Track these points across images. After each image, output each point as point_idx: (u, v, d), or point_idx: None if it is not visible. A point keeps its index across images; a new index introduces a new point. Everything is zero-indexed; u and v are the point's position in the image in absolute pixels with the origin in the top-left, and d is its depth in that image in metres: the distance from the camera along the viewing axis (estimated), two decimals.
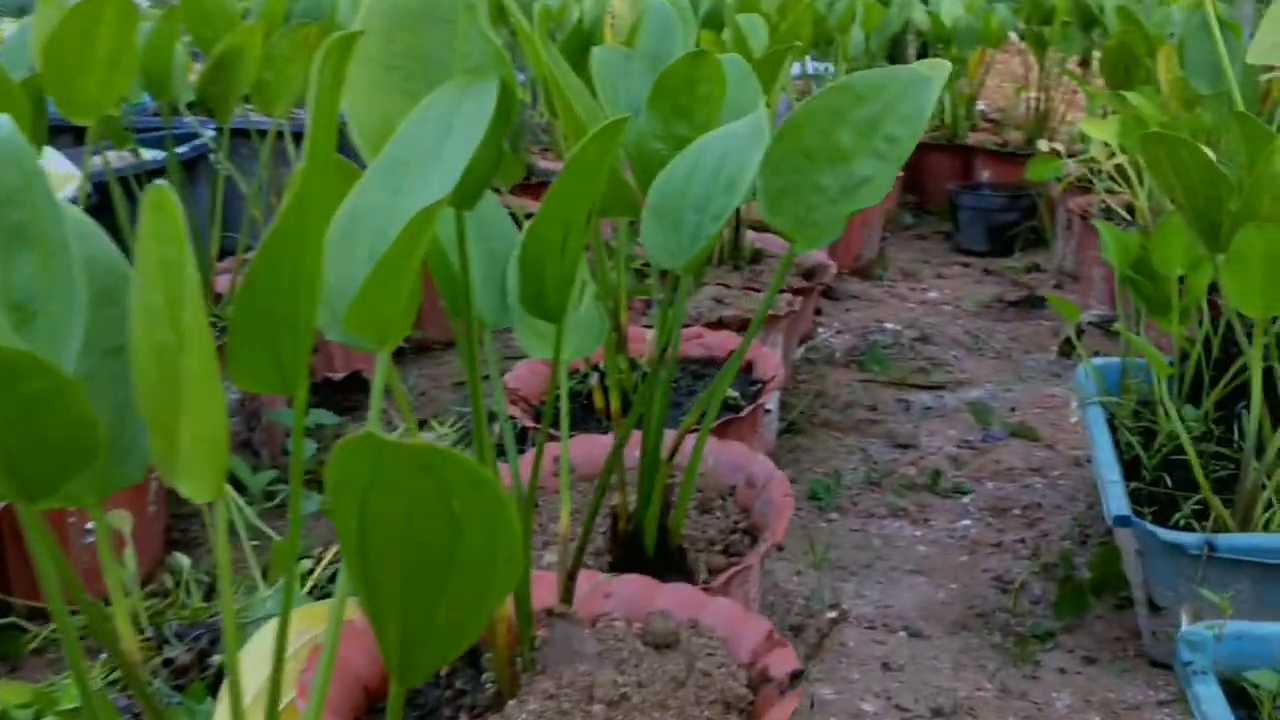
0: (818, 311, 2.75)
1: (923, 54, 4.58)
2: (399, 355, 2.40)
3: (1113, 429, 1.62)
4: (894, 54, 4.81)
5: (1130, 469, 1.56)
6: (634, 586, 1.04)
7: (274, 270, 0.55)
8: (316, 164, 0.55)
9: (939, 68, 1.07)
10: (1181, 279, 1.57)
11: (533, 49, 1.04)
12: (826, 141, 1.02)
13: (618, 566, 1.20)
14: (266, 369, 0.56)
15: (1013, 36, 4.14)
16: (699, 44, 2.03)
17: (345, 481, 0.43)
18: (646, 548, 1.21)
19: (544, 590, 1.02)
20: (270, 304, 0.55)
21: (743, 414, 1.48)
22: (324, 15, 2.11)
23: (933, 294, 2.97)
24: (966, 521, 1.76)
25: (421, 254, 0.66)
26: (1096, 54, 3.46)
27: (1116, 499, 1.39)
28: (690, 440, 1.22)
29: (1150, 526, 1.33)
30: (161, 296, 0.56)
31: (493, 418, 1.52)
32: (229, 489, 1.55)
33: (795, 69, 3.76)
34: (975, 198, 3.41)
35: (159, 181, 0.55)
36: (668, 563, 1.22)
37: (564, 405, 1.01)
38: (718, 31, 2.17)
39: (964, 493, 1.83)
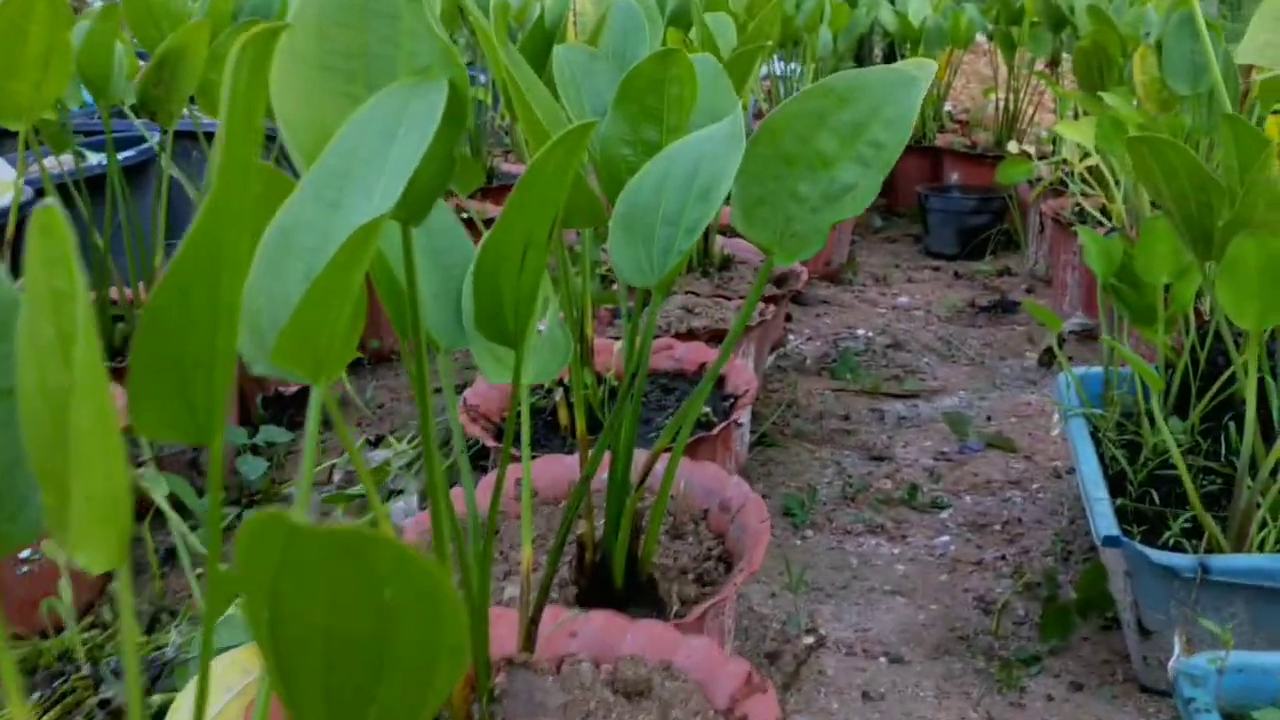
0: (788, 318, 2.69)
1: (889, 54, 4.54)
2: (356, 366, 2.31)
3: (1096, 442, 1.57)
4: (860, 54, 4.77)
5: (1115, 484, 1.51)
6: (601, 624, 0.97)
7: (183, 300, 0.48)
8: (231, 176, 0.48)
9: (925, 68, 1.00)
10: (1167, 286, 1.52)
11: (490, 47, 0.97)
12: (806, 147, 0.95)
13: (584, 599, 1.13)
14: (176, 414, 0.49)
15: (980, 38, 4.11)
16: (666, 43, 1.97)
17: (252, 567, 0.35)
18: (615, 578, 1.13)
19: (504, 630, 0.95)
20: (178, 339, 0.48)
21: (715, 431, 1.41)
22: (274, 13, 2.02)
23: (904, 299, 2.91)
24: (945, 538, 1.70)
25: (362, 274, 0.59)
26: (1066, 55, 3.43)
27: (1104, 518, 1.33)
28: (661, 461, 1.15)
29: (1141, 548, 1.27)
30: (52, 331, 0.48)
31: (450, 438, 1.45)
32: (172, 514, 1.47)
33: (761, 70, 3.70)
34: (945, 200, 3.36)
35: (47, 201, 0.47)
36: (638, 594, 1.15)
37: (525, 428, 0.94)
38: (685, 30, 2.11)
39: (942, 507, 1.77)
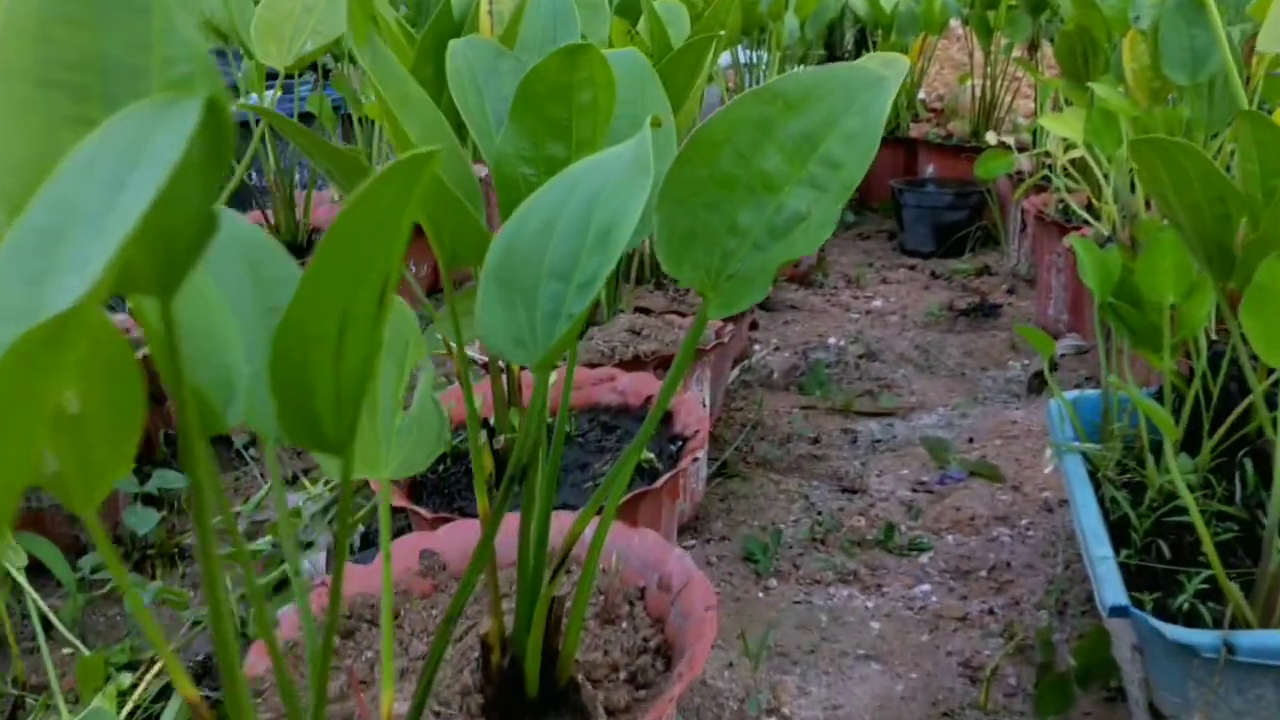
0: (754, 326, 2.50)
1: (860, 41, 4.35)
2: None
3: (1094, 482, 1.38)
4: (831, 41, 4.58)
5: (1116, 530, 1.33)
6: None
7: None
8: None
9: (894, 65, 0.81)
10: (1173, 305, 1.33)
11: (360, 38, 0.77)
12: (748, 166, 0.76)
13: (491, 710, 0.94)
14: None
15: (954, 22, 3.92)
16: (612, 36, 1.77)
17: None
18: (528, 683, 0.94)
19: None
20: None
21: (659, 483, 1.22)
22: None
23: (878, 302, 2.73)
24: (926, 586, 1.51)
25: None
26: (1046, 40, 3.25)
27: (1110, 583, 1.15)
28: (593, 526, 0.95)
29: (1155, 623, 1.08)
30: None
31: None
32: (25, 587, 1.26)
33: (725, 59, 3.51)
34: (920, 195, 3.17)
35: None
36: (556, 702, 0.95)
37: (385, 537, 0.74)
38: (636, 20, 1.90)
39: (921, 549, 1.59)
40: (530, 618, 0.93)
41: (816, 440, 1.97)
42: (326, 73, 2.49)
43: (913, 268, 3.02)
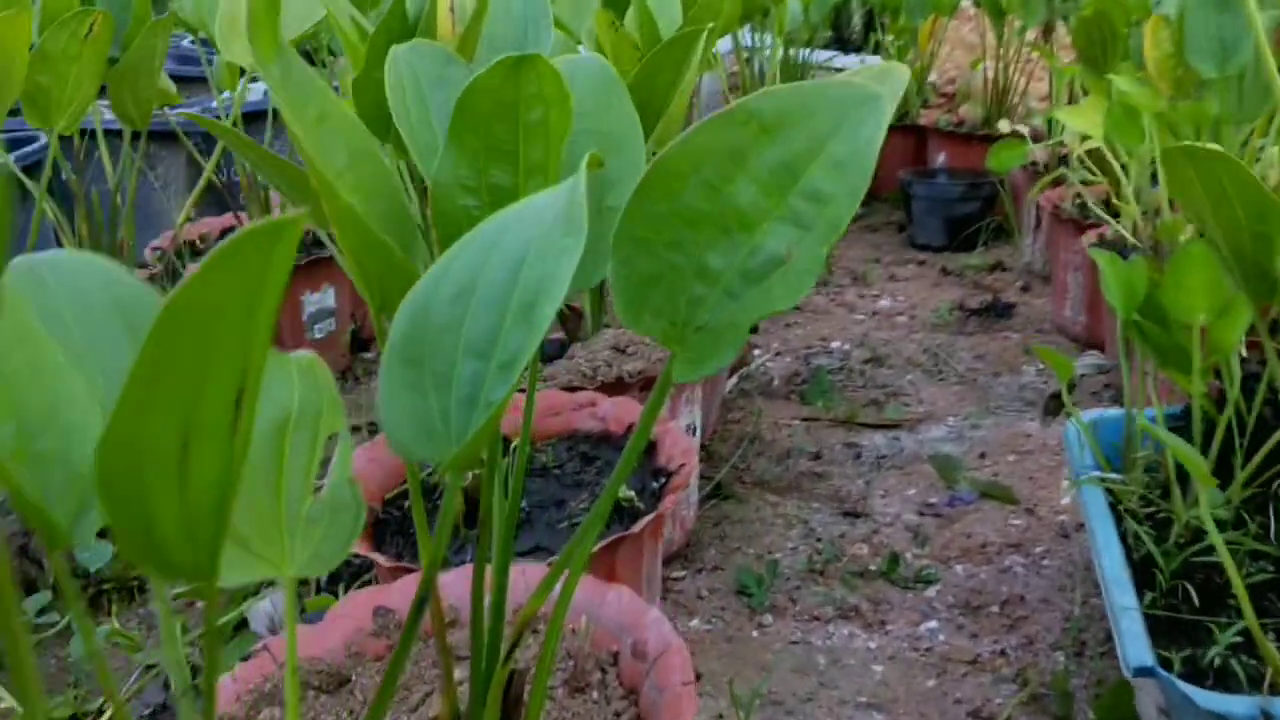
0: (754, 330, 2.38)
1: (869, 24, 4.22)
2: None
3: (1115, 512, 1.27)
4: (838, 23, 4.45)
5: (1140, 569, 1.22)
6: None
7: None
8: None
9: (890, 78, 0.70)
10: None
11: (267, 52, 0.66)
12: (717, 200, 0.65)
13: None
14: None
15: (965, 3, 3.79)
16: (596, 30, 1.65)
17: None
18: None
19: None
20: None
21: (638, 528, 1.11)
22: (128, 7, 1.70)
23: (885, 301, 2.61)
24: (932, 623, 1.40)
25: None
26: (1060, 21, 3.12)
27: (1134, 639, 1.04)
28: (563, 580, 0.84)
29: (1184, 687, 0.97)
30: None
31: None
32: None
33: (726, 44, 3.39)
34: (930, 186, 3.05)
35: None
36: None
37: (290, 646, 0.63)
38: (622, 13, 1.78)
39: (928, 582, 1.48)
40: (485, 695, 0.83)
41: (818, 456, 1.86)
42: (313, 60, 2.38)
43: (922, 263, 2.91)
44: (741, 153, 0.64)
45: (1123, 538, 1.25)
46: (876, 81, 0.66)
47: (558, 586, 0.83)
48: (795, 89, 0.63)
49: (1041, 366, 2.20)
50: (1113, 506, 1.28)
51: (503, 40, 1.12)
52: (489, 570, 0.82)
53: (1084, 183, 2.33)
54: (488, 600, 0.83)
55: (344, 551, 0.60)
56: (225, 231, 2.18)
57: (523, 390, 1.36)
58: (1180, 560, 1.20)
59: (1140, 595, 1.18)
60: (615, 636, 0.97)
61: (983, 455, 1.84)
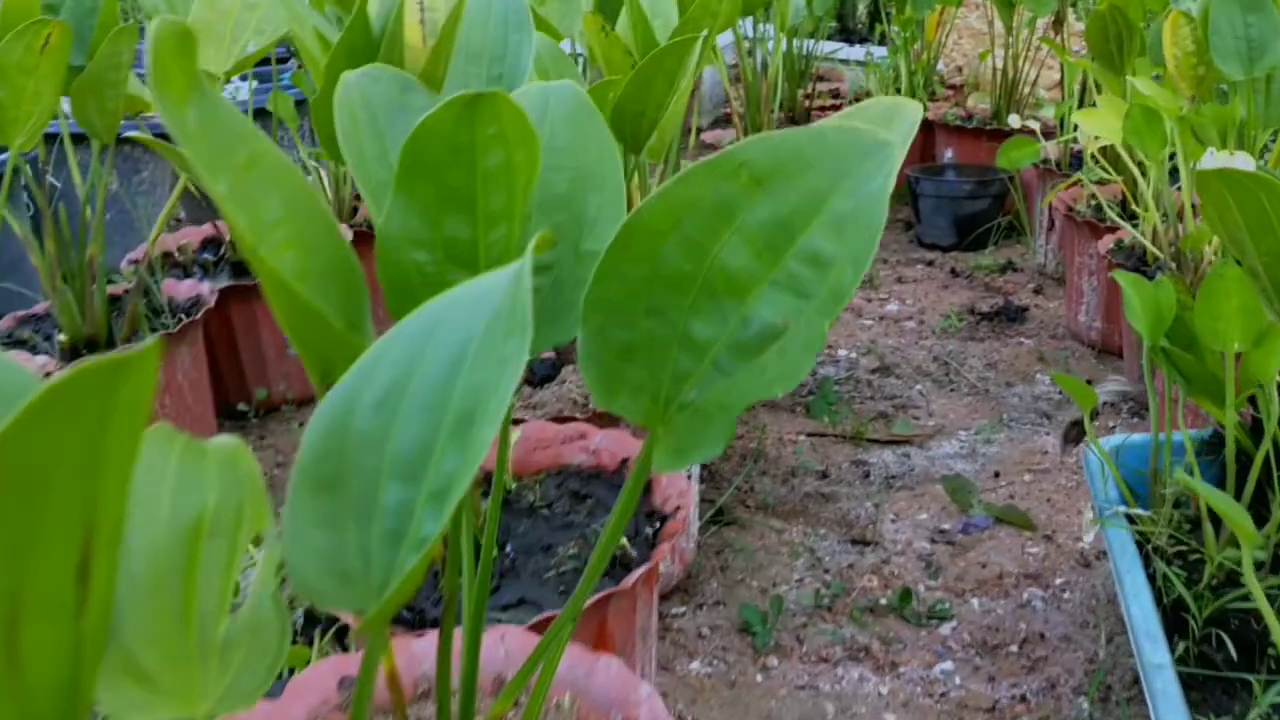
0: None
1: (874, 14, 4.12)
2: (240, 418, 1.93)
3: (1141, 551, 1.19)
4: (842, 13, 4.35)
5: (1170, 614, 1.14)
6: None
7: None
8: None
9: (900, 117, 0.61)
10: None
11: (177, 97, 0.58)
12: (701, 260, 0.56)
13: None
14: None
15: None
16: (587, 34, 1.57)
17: None
18: None
19: None
20: None
21: (630, 582, 1.03)
22: (94, 12, 1.62)
23: (893, 305, 2.52)
24: (948, 665, 1.32)
25: None
26: (1073, 15, 3.02)
27: (1169, 701, 0.96)
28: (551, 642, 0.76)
29: None
30: None
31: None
32: None
33: (727, 36, 3.29)
34: (938, 184, 2.96)
35: None
36: None
37: None
38: (614, 15, 1.69)
39: (943, 618, 1.40)
40: None
41: (824, 475, 1.77)
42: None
43: (931, 263, 2.81)
44: (730, 208, 0.56)
45: (1150, 578, 1.16)
46: (883, 124, 0.58)
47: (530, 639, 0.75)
48: (790, 136, 0.54)
49: None
50: (1139, 544, 1.20)
51: (480, 50, 1.04)
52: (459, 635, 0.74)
53: (1098, 182, 2.24)
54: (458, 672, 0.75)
55: (267, 681, 0.51)
56: (206, 242, 2.09)
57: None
58: (1215, 607, 1.12)
59: (1171, 641, 1.10)
60: (604, 712, 0.88)
61: (997, 474, 1.75)
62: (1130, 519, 1.20)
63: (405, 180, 0.63)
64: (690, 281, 0.56)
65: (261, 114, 2.18)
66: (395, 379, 0.42)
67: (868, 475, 1.78)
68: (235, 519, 0.54)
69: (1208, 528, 1.17)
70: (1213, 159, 1.50)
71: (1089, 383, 1.95)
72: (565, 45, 2.30)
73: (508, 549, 1.15)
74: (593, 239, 0.73)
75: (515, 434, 1.29)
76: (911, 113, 0.60)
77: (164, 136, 1.75)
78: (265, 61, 2.33)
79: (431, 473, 0.40)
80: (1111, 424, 1.87)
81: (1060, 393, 2.03)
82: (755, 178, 0.55)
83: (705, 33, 1.31)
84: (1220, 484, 1.28)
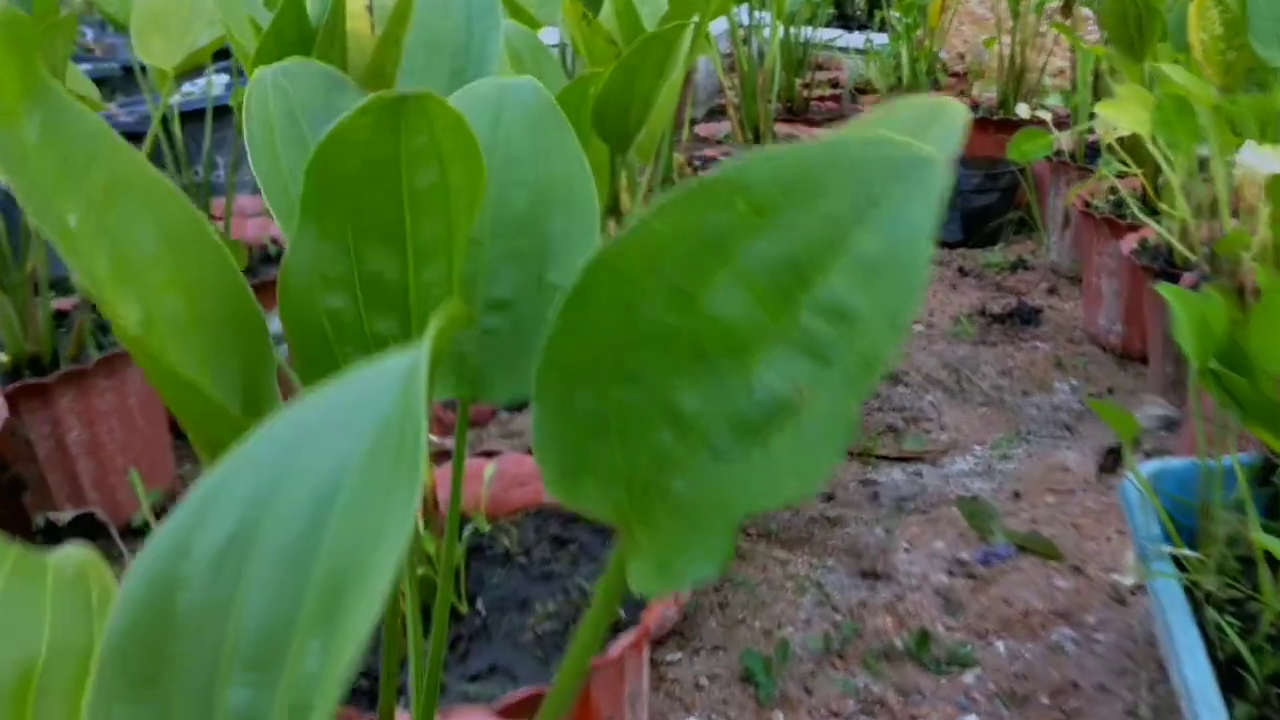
0: None
1: (874, 1, 3.98)
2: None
3: (1190, 596, 1.06)
4: (840, 0, 4.21)
5: (1224, 669, 1.01)
6: None
7: None
8: None
9: (941, 123, 0.47)
10: None
11: (13, 104, 0.45)
12: (688, 311, 0.43)
13: None
14: None
15: None
16: (566, 21, 1.43)
17: None
18: None
19: None
20: None
21: (615, 652, 0.90)
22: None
23: None
24: (971, 718, 1.19)
25: None
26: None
27: None
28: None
29: None
30: None
31: None
32: None
33: (721, 23, 3.16)
34: None
35: None
36: None
37: None
38: (597, 7, 1.56)
39: (964, 664, 1.27)
40: None
41: (830, 497, 1.64)
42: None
43: (939, 261, 2.68)
44: (723, 242, 0.42)
45: (1201, 627, 1.04)
46: (918, 130, 0.45)
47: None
48: (799, 151, 0.41)
49: (1075, 382, 1.98)
50: (1187, 590, 1.07)
51: (439, 40, 0.91)
52: None
53: (1117, 175, 2.11)
54: None
55: None
56: None
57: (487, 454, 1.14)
58: (1277, 664, 0.99)
59: (1229, 704, 0.97)
60: None
61: (1017, 495, 1.62)
62: (1178, 562, 1.07)
63: (314, 202, 0.50)
64: (674, 336, 0.43)
65: (224, 111, 2.05)
66: (242, 521, 0.29)
67: (877, 496, 1.65)
68: (79, 665, 0.41)
69: (1264, 574, 1.04)
70: (1252, 153, 1.37)
71: (1111, 392, 1.82)
72: (551, 34, 2.17)
73: (478, 606, 1.02)
74: (558, 269, 0.60)
75: (489, 468, 1.16)
76: (954, 116, 0.47)
77: None
78: (227, 54, 2.19)
79: (290, 668, 0.27)
80: (1140, 439, 1.74)
81: (1081, 402, 1.90)
82: (755, 205, 0.41)
83: (696, 19, 1.18)
84: (1271, 515, 1.15)
